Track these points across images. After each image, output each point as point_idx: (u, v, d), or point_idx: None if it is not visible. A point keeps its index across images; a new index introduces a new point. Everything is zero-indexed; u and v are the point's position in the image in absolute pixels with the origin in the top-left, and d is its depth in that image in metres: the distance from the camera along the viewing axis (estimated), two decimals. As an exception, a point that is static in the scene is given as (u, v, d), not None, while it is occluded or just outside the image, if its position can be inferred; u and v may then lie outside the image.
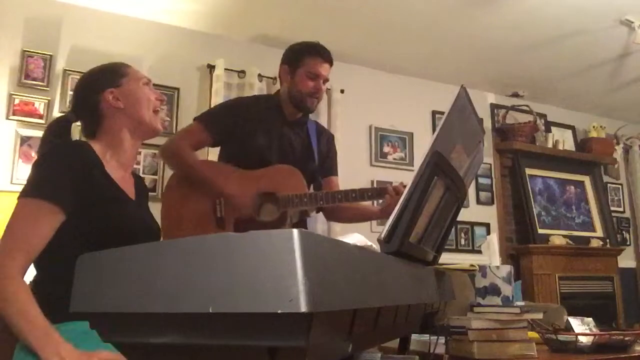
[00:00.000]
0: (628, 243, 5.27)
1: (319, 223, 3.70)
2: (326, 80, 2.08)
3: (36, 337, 1.00)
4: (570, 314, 1.99)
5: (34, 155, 3.10)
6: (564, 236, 4.64)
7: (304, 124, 2.14)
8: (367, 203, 2.16)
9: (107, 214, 1.22)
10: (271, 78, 3.74)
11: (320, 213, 2.28)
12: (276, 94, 2.16)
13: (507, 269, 1.46)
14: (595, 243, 4.76)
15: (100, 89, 1.35)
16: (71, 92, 3.23)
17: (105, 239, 1.05)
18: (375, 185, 4.06)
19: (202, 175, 1.96)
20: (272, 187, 1.95)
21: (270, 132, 2.04)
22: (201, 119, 2.06)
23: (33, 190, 1.17)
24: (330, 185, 2.17)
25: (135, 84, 1.37)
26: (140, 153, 3.31)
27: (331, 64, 2.11)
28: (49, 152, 1.26)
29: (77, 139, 1.41)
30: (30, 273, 1.18)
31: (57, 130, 1.37)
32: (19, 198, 1.17)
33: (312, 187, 2.13)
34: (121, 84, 1.36)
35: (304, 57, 2.05)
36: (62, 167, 1.19)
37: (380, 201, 2.08)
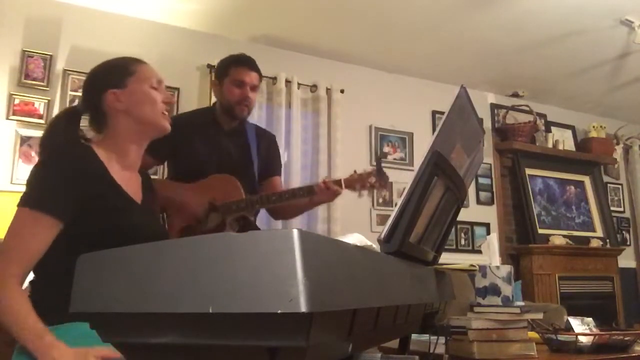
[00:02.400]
0: (628, 243, 5.27)
1: (319, 223, 3.70)
2: (254, 87, 2.16)
3: (30, 341, 1.01)
4: (570, 314, 1.99)
5: (34, 155, 3.10)
6: (564, 236, 4.65)
7: (242, 131, 2.23)
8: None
9: (108, 223, 1.21)
10: (271, 78, 3.74)
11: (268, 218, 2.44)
12: (212, 107, 2.28)
13: (507, 269, 1.46)
14: (595, 243, 4.76)
15: (103, 89, 1.32)
16: (71, 92, 3.25)
17: (105, 247, 1.05)
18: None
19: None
20: (212, 196, 2.06)
21: (208, 144, 2.15)
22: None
23: (32, 201, 1.16)
24: (274, 185, 2.27)
25: (141, 86, 1.33)
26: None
27: (258, 72, 2.18)
28: (51, 158, 1.24)
29: (83, 135, 1.38)
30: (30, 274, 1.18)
31: (66, 121, 1.35)
32: (18, 205, 1.16)
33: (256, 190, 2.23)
34: (126, 84, 1.32)
35: (229, 67, 2.15)
36: (62, 176, 1.18)
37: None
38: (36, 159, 3.09)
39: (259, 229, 2.34)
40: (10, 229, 1.14)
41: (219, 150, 2.16)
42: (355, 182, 2.10)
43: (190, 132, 2.13)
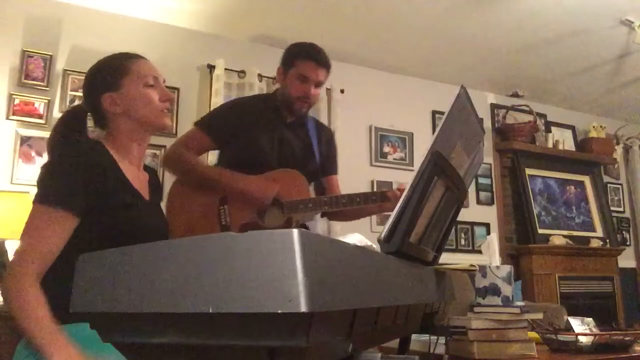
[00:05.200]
0: (628, 243, 5.27)
1: (319, 223, 3.69)
2: (319, 84, 2.01)
3: (44, 341, 1.01)
4: (570, 314, 1.99)
5: (34, 155, 3.10)
6: (564, 236, 4.65)
7: (303, 124, 2.09)
8: None
9: (116, 220, 1.21)
10: (271, 78, 3.74)
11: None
12: (274, 94, 2.11)
13: (507, 269, 1.46)
14: (595, 243, 4.76)
15: (99, 92, 1.32)
16: (71, 92, 3.25)
17: (112, 244, 1.05)
18: (375, 186, 4.07)
19: (216, 178, 1.91)
20: (277, 192, 1.91)
21: (270, 134, 2.00)
22: (202, 123, 2.01)
23: (45, 196, 1.16)
24: (331, 184, 2.14)
25: (136, 86, 1.32)
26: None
27: (327, 67, 2.03)
28: (62, 154, 1.25)
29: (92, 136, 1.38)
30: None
31: (72, 121, 1.35)
32: (33, 202, 1.16)
33: (312, 187, 2.10)
34: (121, 86, 1.31)
35: (296, 59, 1.99)
36: (74, 171, 1.18)
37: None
38: (36, 159, 3.09)
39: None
40: (26, 227, 1.14)
41: (280, 142, 2.01)
42: None
43: (252, 119, 1.98)
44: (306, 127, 2.10)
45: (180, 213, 1.90)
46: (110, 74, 1.33)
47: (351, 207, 1.94)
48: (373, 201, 1.93)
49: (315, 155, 2.08)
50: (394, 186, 4.13)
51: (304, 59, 1.98)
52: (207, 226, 1.88)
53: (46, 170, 1.21)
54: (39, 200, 1.16)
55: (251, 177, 1.90)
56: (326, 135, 2.19)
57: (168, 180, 2.04)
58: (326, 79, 2.05)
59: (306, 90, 1.97)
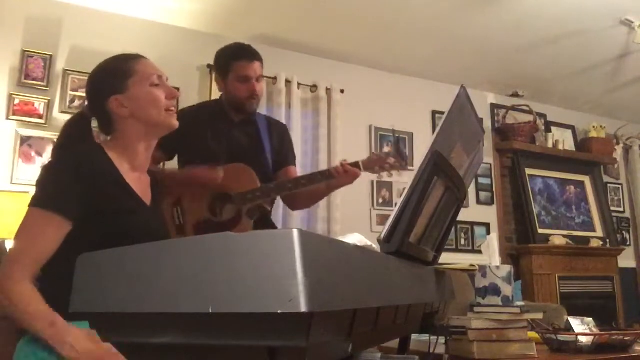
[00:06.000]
0: (628, 243, 5.27)
1: (319, 223, 3.70)
2: (259, 78, 2.08)
3: (43, 329, 1.01)
4: (570, 314, 1.99)
5: (34, 155, 3.10)
6: (564, 236, 4.65)
7: (253, 122, 2.16)
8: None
9: (116, 224, 1.21)
10: (271, 78, 3.74)
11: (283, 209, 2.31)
12: (219, 99, 2.20)
13: (507, 269, 1.46)
14: (595, 243, 4.76)
15: (105, 96, 1.30)
16: (71, 92, 3.24)
17: (112, 248, 1.05)
18: (375, 186, 4.08)
19: (168, 175, 2.00)
20: (227, 186, 1.98)
21: (218, 136, 2.09)
22: None
23: (41, 200, 1.16)
24: (289, 175, 2.19)
25: (142, 87, 1.31)
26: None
27: (260, 60, 2.08)
28: (60, 158, 1.25)
29: (94, 140, 1.38)
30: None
31: (77, 128, 1.35)
32: (29, 206, 1.17)
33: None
34: (127, 87, 1.30)
35: (229, 63, 2.07)
36: (71, 176, 1.18)
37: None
38: (36, 159, 3.09)
39: (273, 223, 2.30)
40: (20, 229, 1.14)
41: (228, 141, 2.10)
42: (374, 164, 2.04)
43: (199, 125, 2.07)
44: (255, 125, 2.16)
45: None
46: (115, 77, 1.32)
47: (298, 190, 2.02)
48: (318, 180, 2.02)
49: (266, 150, 2.14)
50: (394, 186, 4.13)
51: (237, 60, 2.05)
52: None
53: (43, 173, 1.21)
54: (34, 203, 1.16)
55: (198, 169, 1.99)
56: (278, 130, 2.25)
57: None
58: (263, 70, 2.13)
59: (251, 89, 2.05)
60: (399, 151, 2.00)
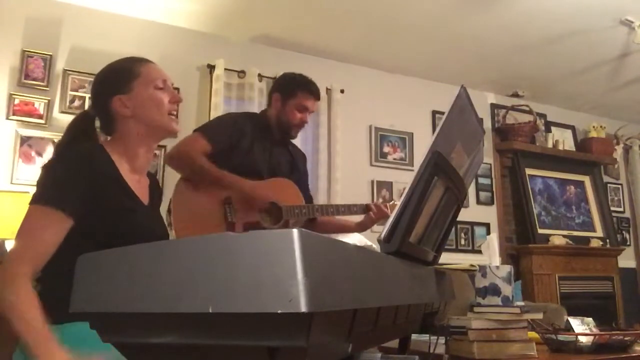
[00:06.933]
0: (628, 243, 5.27)
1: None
2: (312, 112, 2.27)
3: (34, 343, 1.02)
4: (570, 314, 1.99)
5: (34, 155, 3.10)
6: (564, 236, 4.65)
7: (286, 144, 2.34)
8: (350, 217, 2.42)
9: (114, 224, 1.21)
10: (271, 78, 3.74)
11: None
12: (263, 114, 2.33)
13: (507, 269, 1.46)
14: (595, 243, 4.76)
15: (109, 95, 1.31)
16: (71, 92, 3.25)
17: (111, 247, 1.05)
18: (375, 186, 4.09)
19: (221, 176, 2.08)
20: (274, 197, 2.14)
21: (263, 148, 2.22)
22: (204, 130, 2.18)
23: (42, 197, 1.16)
24: (307, 201, 2.37)
25: (147, 89, 1.32)
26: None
27: (319, 99, 2.31)
28: (61, 156, 1.25)
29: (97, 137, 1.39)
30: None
31: (80, 127, 1.35)
32: (29, 204, 1.17)
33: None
34: (131, 88, 1.31)
35: (297, 90, 2.23)
36: (72, 173, 1.18)
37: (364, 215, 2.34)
38: (36, 159, 3.10)
39: None
40: (21, 227, 1.15)
41: (270, 156, 2.24)
42: None
43: (250, 132, 2.19)
44: (288, 147, 2.35)
45: (186, 207, 2.08)
46: (121, 77, 1.33)
47: (337, 215, 2.24)
48: (355, 212, 2.25)
49: (298, 171, 2.34)
50: (394, 186, 4.14)
51: (305, 92, 2.24)
52: (212, 222, 2.06)
53: (44, 172, 1.21)
54: (35, 200, 1.17)
55: (254, 182, 2.12)
56: (301, 158, 2.45)
57: (168, 183, 2.08)
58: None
59: (304, 119, 2.24)
60: None
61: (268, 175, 2.19)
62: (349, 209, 2.24)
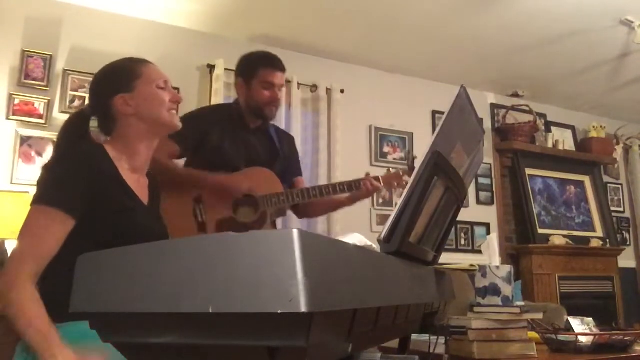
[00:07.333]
0: (628, 243, 5.27)
1: (319, 223, 3.70)
2: (281, 87, 2.15)
3: (38, 342, 1.02)
4: (570, 314, 1.99)
5: (34, 155, 3.10)
6: (564, 236, 4.65)
7: (266, 130, 2.22)
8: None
9: (114, 224, 1.22)
10: (271, 78, 3.74)
11: (292, 212, 2.40)
12: (236, 103, 2.22)
13: (507, 269, 1.46)
14: (595, 243, 4.76)
15: (111, 94, 1.32)
16: (71, 92, 3.25)
17: (111, 247, 1.06)
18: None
19: (187, 174, 2.02)
20: (249, 188, 2.04)
21: (235, 139, 2.12)
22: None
23: (44, 197, 1.17)
24: (298, 185, 2.26)
25: (148, 88, 1.33)
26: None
27: (284, 71, 2.16)
28: (61, 156, 1.25)
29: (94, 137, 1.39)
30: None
31: (76, 126, 1.35)
32: (31, 204, 1.17)
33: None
34: (134, 87, 1.32)
35: (257, 68, 2.12)
36: (73, 173, 1.19)
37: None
38: (36, 159, 3.09)
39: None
40: (23, 228, 1.15)
41: (246, 147, 2.14)
42: (392, 179, 2.13)
43: (218, 126, 2.11)
44: (268, 133, 2.23)
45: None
46: (123, 76, 1.34)
47: (322, 198, 2.08)
48: (342, 191, 2.09)
49: (279, 158, 2.20)
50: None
51: (266, 67, 2.12)
52: (183, 224, 1.96)
53: (44, 172, 1.22)
54: (36, 201, 1.17)
55: (223, 175, 2.02)
56: (287, 140, 2.33)
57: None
58: (284, 81, 2.20)
59: (274, 96, 2.11)
60: (413, 169, 2.10)
61: (246, 166, 2.09)
62: (335, 189, 2.08)
